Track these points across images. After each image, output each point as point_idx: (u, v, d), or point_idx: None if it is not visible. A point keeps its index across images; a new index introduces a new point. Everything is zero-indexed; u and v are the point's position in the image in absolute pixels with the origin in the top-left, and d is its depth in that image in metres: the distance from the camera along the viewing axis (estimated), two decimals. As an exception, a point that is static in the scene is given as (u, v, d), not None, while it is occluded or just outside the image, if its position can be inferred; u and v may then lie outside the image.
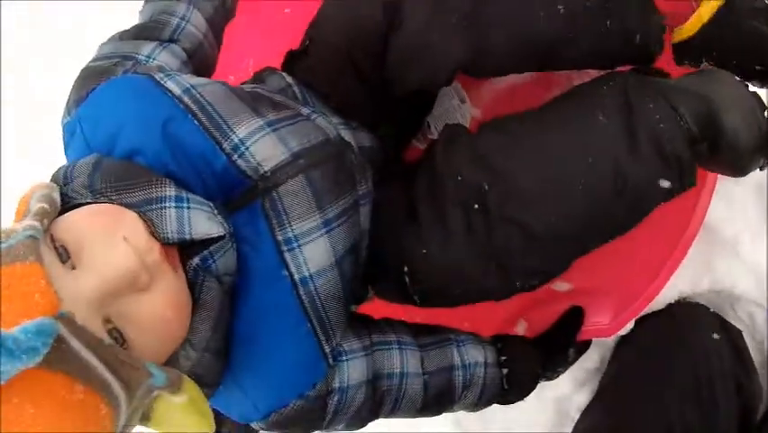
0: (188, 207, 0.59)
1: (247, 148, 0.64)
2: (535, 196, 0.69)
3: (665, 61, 0.80)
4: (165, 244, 0.58)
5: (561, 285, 1.03)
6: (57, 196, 0.58)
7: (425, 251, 0.72)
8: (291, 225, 0.64)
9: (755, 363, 0.97)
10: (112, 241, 0.54)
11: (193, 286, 0.59)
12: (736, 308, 1.05)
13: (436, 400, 0.79)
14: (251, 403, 0.66)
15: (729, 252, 1.03)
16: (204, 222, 0.59)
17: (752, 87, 0.72)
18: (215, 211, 0.61)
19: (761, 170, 0.71)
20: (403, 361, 0.76)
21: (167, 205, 0.58)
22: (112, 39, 0.77)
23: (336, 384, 0.69)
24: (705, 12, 0.74)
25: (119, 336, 0.52)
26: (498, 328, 0.92)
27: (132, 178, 0.60)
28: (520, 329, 1.03)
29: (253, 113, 0.67)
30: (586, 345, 1.02)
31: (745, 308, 1.04)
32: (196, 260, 0.59)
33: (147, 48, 0.75)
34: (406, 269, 0.74)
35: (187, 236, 0.58)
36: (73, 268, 0.52)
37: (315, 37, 0.83)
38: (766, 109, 0.68)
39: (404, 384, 0.76)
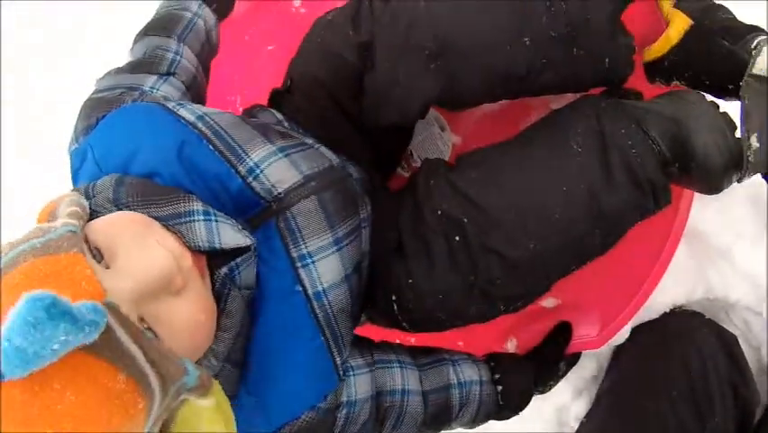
0: (216, 221, 0.61)
1: (262, 171, 0.66)
2: (513, 227, 0.70)
3: (638, 77, 0.80)
4: (194, 251, 0.59)
5: (548, 301, 1.04)
6: (85, 202, 0.59)
7: (411, 281, 0.74)
8: (305, 243, 0.66)
9: (752, 369, 0.97)
10: (145, 243, 0.54)
11: (219, 296, 0.61)
12: (730, 315, 1.05)
13: (435, 418, 0.81)
14: (264, 416, 0.66)
15: (723, 260, 1.03)
16: (232, 233, 0.61)
17: (723, 106, 0.72)
18: (239, 226, 0.63)
19: (738, 182, 0.72)
20: (404, 378, 0.78)
21: (195, 218, 0.60)
22: (108, 74, 0.79)
23: (344, 398, 0.70)
24: (674, 33, 0.75)
25: (153, 336, 0.52)
26: (489, 346, 0.93)
27: (157, 194, 0.61)
28: (510, 346, 1.05)
29: (265, 139, 0.69)
30: (576, 358, 1.04)
31: (740, 315, 1.05)
32: (224, 269, 0.61)
33: (149, 80, 0.77)
34: (394, 297, 0.76)
35: (218, 245, 0.60)
36: (107, 268, 0.52)
37: (296, 77, 0.84)
38: (736, 129, 0.68)
39: (405, 401, 0.77)
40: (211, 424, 0.53)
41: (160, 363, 0.47)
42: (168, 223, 0.59)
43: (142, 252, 0.53)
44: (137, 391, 0.45)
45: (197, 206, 0.61)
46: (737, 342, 0.97)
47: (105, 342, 0.44)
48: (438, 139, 1.06)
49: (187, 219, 0.60)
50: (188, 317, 0.55)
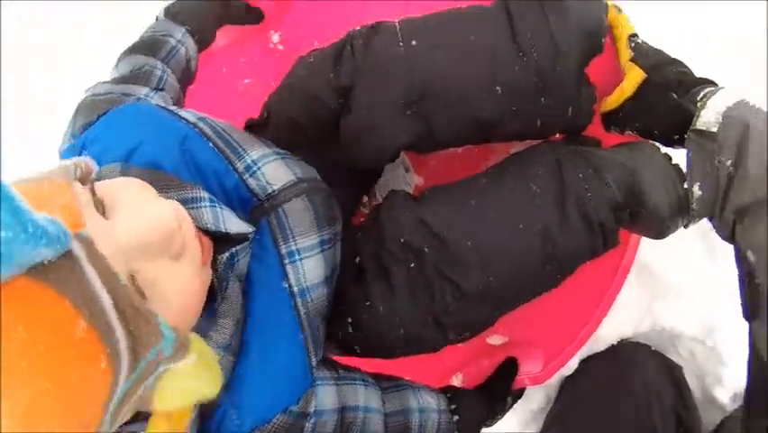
0: (221, 209, 0.63)
1: (259, 168, 0.70)
2: (471, 260, 0.74)
3: (596, 124, 0.84)
4: (203, 233, 0.60)
5: (494, 339, 1.08)
6: (94, 165, 0.56)
7: (368, 303, 0.77)
8: (295, 240, 0.69)
9: (697, 397, 1.01)
10: (151, 200, 0.54)
11: (220, 282, 0.62)
12: (676, 345, 1.08)
13: None
14: (236, 417, 0.65)
15: (670, 292, 1.06)
16: (236, 221, 0.64)
17: (675, 157, 0.76)
18: (239, 217, 0.65)
19: (685, 228, 0.77)
20: (367, 396, 0.79)
21: (202, 204, 0.62)
22: (98, 84, 0.81)
23: (312, 408, 0.70)
24: (628, 86, 0.78)
25: (142, 295, 0.49)
26: (437, 381, 0.96)
27: (163, 181, 0.63)
28: (456, 381, 1.07)
29: (262, 143, 0.74)
30: (520, 393, 1.05)
31: (686, 345, 1.07)
32: (226, 254, 0.62)
33: (142, 90, 0.80)
34: (349, 319, 0.79)
35: (223, 229, 0.61)
36: (106, 220, 0.49)
37: (273, 114, 0.87)
38: (686, 181, 0.73)
39: (367, 419, 0.78)
40: (197, 378, 0.50)
41: (131, 319, 0.42)
42: None
43: (147, 206, 0.52)
44: (99, 346, 0.40)
45: (204, 194, 0.63)
46: (682, 372, 1.00)
47: (69, 277, 0.39)
48: (402, 179, 1.08)
49: (195, 205, 0.62)
50: (184, 284, 0.53)
